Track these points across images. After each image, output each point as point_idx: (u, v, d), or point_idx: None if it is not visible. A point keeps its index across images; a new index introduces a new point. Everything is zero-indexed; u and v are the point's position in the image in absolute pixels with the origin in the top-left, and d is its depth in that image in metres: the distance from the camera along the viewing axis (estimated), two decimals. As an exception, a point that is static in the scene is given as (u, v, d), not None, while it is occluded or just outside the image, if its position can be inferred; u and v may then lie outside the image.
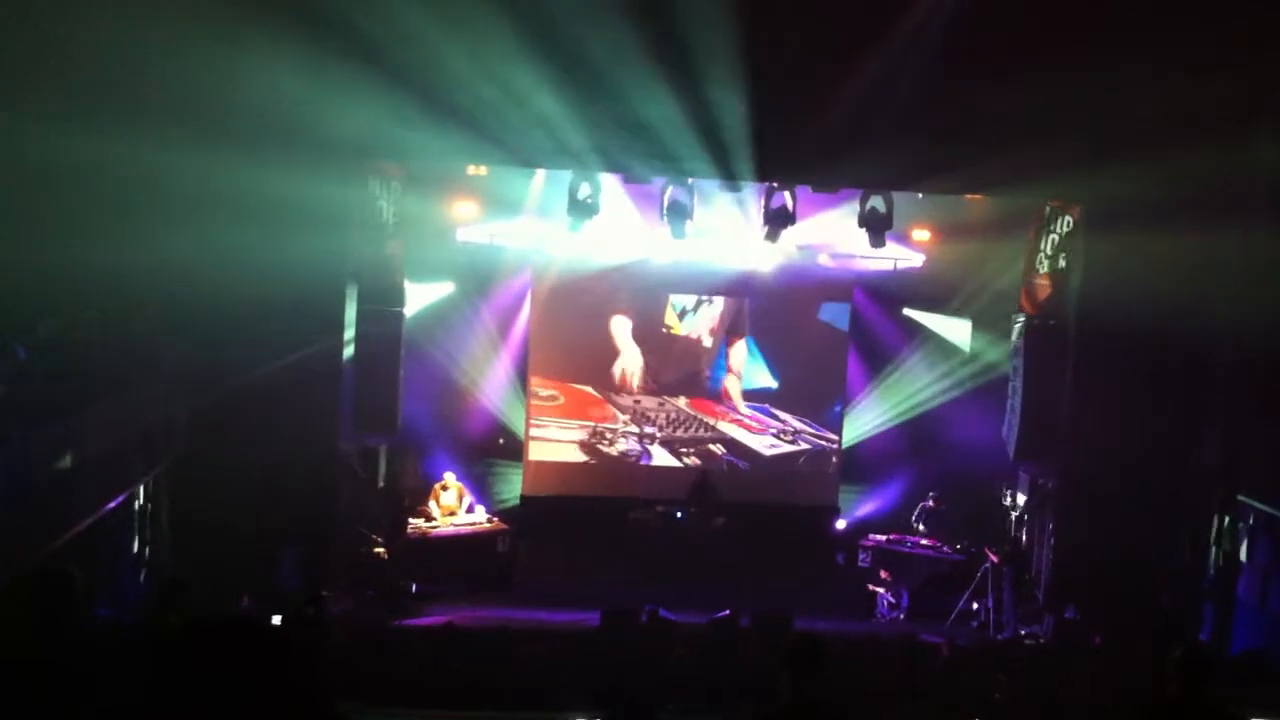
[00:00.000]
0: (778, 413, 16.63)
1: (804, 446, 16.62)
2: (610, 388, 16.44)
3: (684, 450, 16.54)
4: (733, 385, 16.61)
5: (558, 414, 16.39)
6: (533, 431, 16.37)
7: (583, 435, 16.43)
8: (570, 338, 16.37)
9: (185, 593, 6.20)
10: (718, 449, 16.56)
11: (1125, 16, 9.00)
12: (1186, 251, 10.81)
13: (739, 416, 16.61)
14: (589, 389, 16.38)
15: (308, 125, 10.72)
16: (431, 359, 15.46)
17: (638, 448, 16.47)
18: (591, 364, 16.41)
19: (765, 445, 16.62)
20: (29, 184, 8.35)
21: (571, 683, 8.71)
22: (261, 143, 10.56)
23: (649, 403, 16.44)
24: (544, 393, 16.37)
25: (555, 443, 16.43)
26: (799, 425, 16.59)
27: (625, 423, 16.44)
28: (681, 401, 16.55)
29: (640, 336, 16.38)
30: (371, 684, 8.59)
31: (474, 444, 16.16)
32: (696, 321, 16.49)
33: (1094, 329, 12.47)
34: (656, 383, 16.48)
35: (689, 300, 16.41)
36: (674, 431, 16.52)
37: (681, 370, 16.55)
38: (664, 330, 16.47)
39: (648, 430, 16.45)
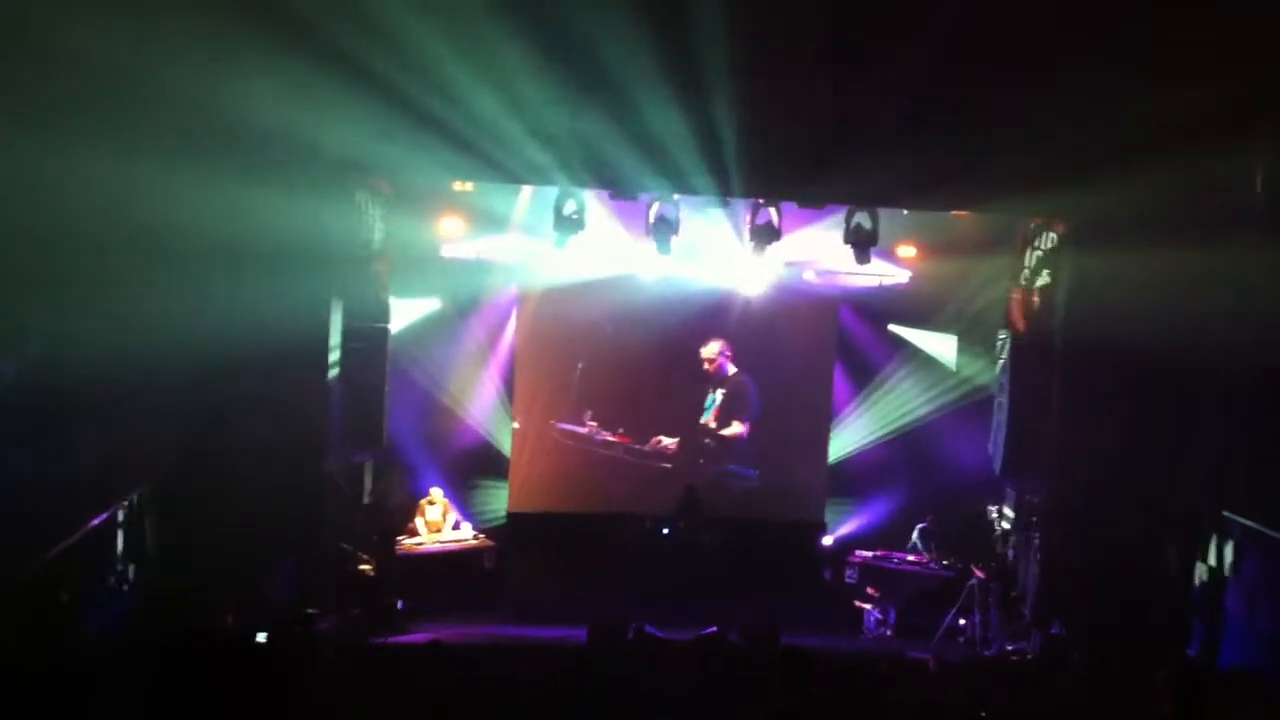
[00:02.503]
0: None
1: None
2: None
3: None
4: (714, 422, 16.71)
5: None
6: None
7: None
8: (557, 353, 16.35)
9: (173, 609, 6.17)
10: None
11: (1111, 30, 9.04)
12: (1173, 267, 10.83)
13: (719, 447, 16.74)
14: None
15: (293, 141, 10.71)
16: (418, 375, 15.43)
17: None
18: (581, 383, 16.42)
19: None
20: (15, 199, 8.31)
21: (558, 699, 8.68)
22: (247, 159, 10.56)
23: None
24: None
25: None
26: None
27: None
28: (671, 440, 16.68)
29: (637, 374, 16.48)
30: (358, 701, 8.55)
31: (460, 460, 16.11)
32: (690, 363, 16.59)
33: (1080, 345, 12.48)
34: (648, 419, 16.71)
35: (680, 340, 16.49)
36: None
37: (675, 406, 16.72)
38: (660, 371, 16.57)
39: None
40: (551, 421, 16.52)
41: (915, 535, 14.95)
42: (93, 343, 9.29)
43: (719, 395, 16.63)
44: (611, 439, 16.57)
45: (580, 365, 16.46)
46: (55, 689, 4.12)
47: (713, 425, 16.62)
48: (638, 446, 16.56)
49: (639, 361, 16.33)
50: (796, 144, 11.46)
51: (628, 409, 16.64)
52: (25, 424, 8.54)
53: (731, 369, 16.58)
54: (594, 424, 16.54)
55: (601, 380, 16.51)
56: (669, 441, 16.57)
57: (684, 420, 16.65)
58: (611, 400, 16.61)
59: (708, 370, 16.57)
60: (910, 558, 14.64)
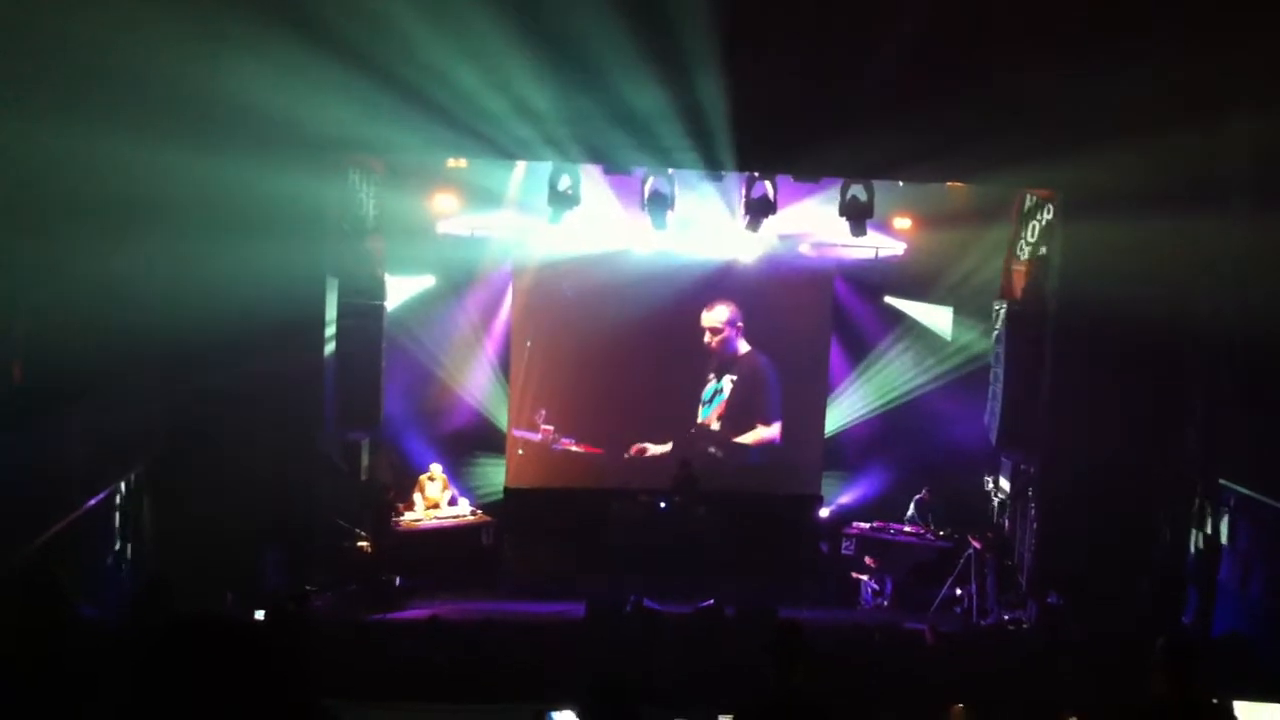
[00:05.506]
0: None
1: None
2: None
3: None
4: (716, 422, 16.46)
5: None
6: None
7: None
8: (555, 326, 16.25)
9: (169, 591, 6.18)
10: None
11: (1103, 4, 9.03)
12: (1166, 238, 10.84)
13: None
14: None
15: (287, 120, 10.67)
16: (413, 352, 15.42)
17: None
18: (579, 360, 16.32)
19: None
20: (3, 183, 8.29)
21: (557, 674, 8.72)
22: (240, 138, 10.52)
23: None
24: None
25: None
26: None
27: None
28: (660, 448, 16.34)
29: (619, 363, 16.11)
30: (356, 678, 8.58)
31: (457, 436, 16.12)
32: (685, 342, 16.22)
33: (1075, 316, 12.49)
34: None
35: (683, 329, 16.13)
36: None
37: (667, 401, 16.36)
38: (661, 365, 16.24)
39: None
40: (511, 431, 16.21)
41: (911, 507, 14.99)
42: (83, 324, 9.28)
43: (726, 384, 16.17)
44: (575, 449, 16.22)
45: (529, 343, 15.96)
46: (57, 675, 4.13)
47: (714, 427, 16.32)
48: (609, 459, 16.20)
49: (623, 347, 15.98)
50: (792, 117, 11.43)
51: (603, 409, 16.24)
52: (16, 407, 8.53)
53: (743, 345, 16.24)
54: (549, 429, 16.12)
55: (569, 372, 16.15)
56: (656, 450, 16.28)
57: (678, 420, 16.44)
58: (580, 398, 16.22)
59: (711, 346, 16.20)
60: (907, 529, 14.68)
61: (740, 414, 16.31)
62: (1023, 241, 14.14)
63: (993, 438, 13.95)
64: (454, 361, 16.03)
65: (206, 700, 2.44)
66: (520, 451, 16.22)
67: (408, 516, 14.45)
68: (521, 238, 15.58)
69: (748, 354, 16.23)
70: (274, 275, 11.25)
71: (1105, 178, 11.08)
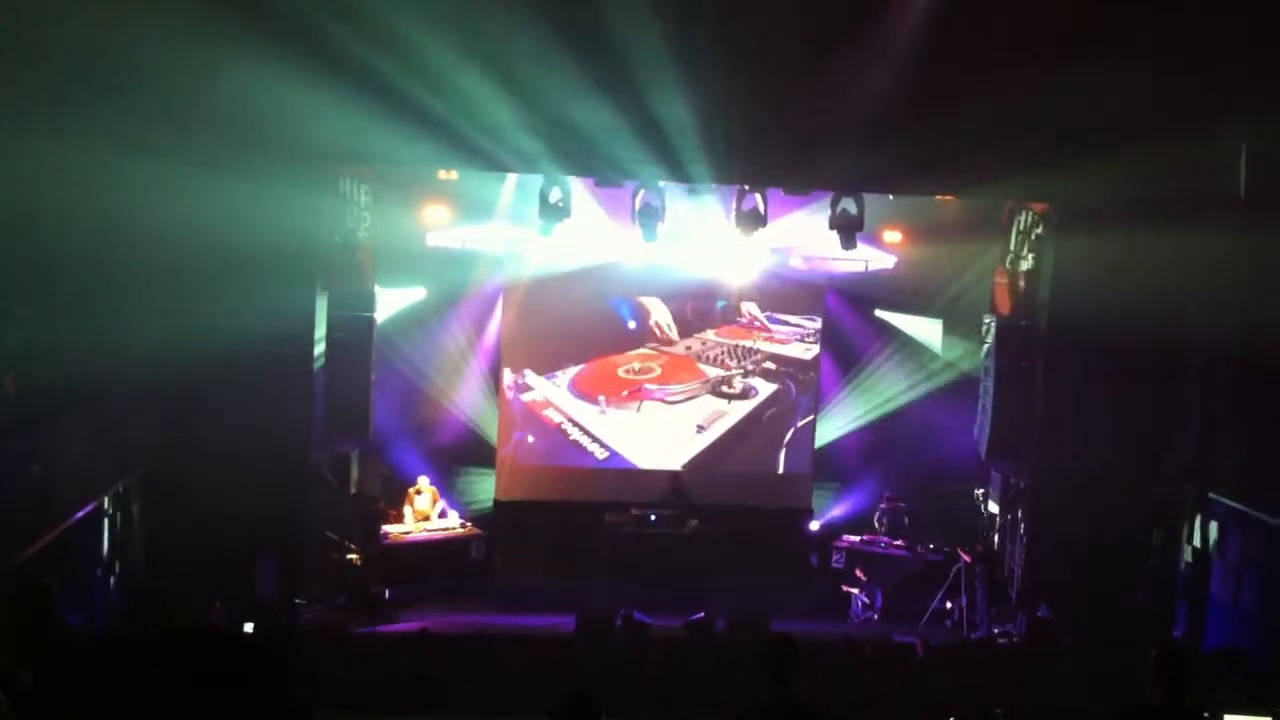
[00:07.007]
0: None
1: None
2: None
3: (750, 369, 16.47)
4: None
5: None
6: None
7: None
8: (546, 337, 16.22)
9: (159, 601, 6.15)
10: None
11: (1093, 17, 9.06)
12: (1157, 250, 10.86)
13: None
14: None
15: (278, 131, 10.67)
16: (404, 365, 15.38)
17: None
18: (581, 348, 16.34)
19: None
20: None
21: (547, 687, 8.69)
22: (232, 149, 10.51)
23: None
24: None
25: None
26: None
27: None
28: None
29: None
30: (346, 691, 8.55)
31: (447, 448, 16.08)
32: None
33: (1065, 328, 12.53)
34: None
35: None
36: (731, 362, 16.44)
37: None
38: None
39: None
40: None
41: (878, 517, 15.05)
42: (76, 336, 9.25)
43: (723, 402, 16.36)
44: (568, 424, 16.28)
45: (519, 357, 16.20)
46: (43, 683, 4.10)
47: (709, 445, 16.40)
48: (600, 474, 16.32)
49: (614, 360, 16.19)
50: (782, 130, 11.45)
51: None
52: (9, 418, 8.50)
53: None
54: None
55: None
56: (648, 465, 16.36)
57: (671, 434, 16.48)
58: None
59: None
60: (897, 542, 14.67)
61: (737, 432, 16.36)
62: (1012, 254, 14.17)
63: (982, 451, 13.96)
64: (444, 374, 15.99)
65: (195, 711, 2.42)
66: (516, 435, 16.23)
67: (397, 529, 14.41)
68: (512, 250, 15.55)
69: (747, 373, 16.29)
70: (265, 287, 11.24)
71: (1098, 190, 11.12)
